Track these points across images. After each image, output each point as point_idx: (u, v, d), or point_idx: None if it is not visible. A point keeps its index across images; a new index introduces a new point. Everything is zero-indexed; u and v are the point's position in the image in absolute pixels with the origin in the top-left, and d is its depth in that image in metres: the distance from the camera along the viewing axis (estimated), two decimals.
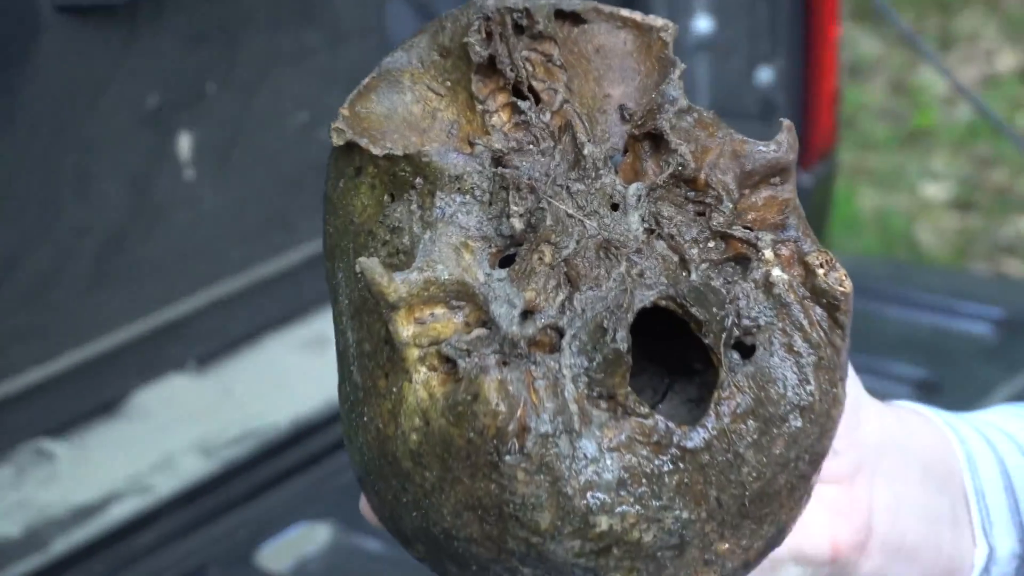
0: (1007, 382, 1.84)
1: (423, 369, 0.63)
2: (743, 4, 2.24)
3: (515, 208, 0.66)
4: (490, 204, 0.66)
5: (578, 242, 0.66)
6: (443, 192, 0.66)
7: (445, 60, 0.69)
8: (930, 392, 1.95)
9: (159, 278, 1.88)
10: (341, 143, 0.68)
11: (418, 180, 0.66)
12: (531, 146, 0.68)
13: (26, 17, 1.69)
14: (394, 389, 0.65)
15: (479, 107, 0.68)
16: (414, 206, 0.66)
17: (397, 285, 0.63)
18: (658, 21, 0.70)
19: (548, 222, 0.66)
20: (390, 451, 0.66)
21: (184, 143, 1.87)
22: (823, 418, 0.67)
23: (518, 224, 0.66)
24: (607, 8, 0.70)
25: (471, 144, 0.69)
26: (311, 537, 1.73)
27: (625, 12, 0.70)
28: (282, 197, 2.01)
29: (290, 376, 1.95)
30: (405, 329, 0.64)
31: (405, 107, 0.69)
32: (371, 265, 0.64)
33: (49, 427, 1.79)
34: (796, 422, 0.68)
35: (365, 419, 0.67)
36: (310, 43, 2.01)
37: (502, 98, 0.68)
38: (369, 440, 0.66)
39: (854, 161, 3.79)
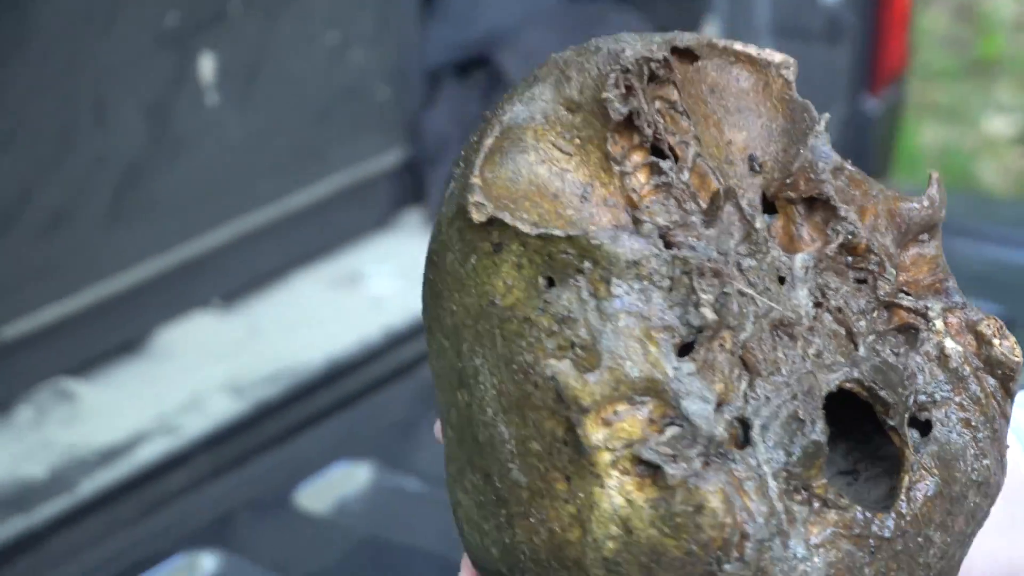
0: None
1: (615, 473, 0.63)
2: None
3: (705, 297, 0.64)
4: (670, 290, 0.64)
5: (754, 323, 0.65)
6: (620, 280, 0.63)
7: (573, 116, 0.66)
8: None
9: (181, 212, 1.91)
10: (483, 219, 0.64)
11: (586, 264, 0.63)
12: (693, 218, 0.66)
13: None
14: (580, 494, 0.64)
15: (615, 168, 0.65)
16: (585, 294, 0.64)
17: (592, 388, 0.63)
18: (775, 56, 0.67)
19: (734, 308, 0.65)
20: (571, 556, 0.65)
21: (206, 66, 1.89)
22: (995, 489, 0.68)
23: (710, 315, 0.64)
24: (721, 42, 0.68)
25: (636, 221, 0.65)
26: (351, 477, 1.73)
27: (738, 46, 0.68)
28: (311, 125, 2.04)
29: (320, 314, 1.98)
30: (596, 433, 0.63)
31: (530, 168, 0.66)
32: (564, 369, 0.63)
33: (70, 366, 1.82)
34: (975, 498, 0.69)
35: (531, 520, 0.65)
36: None
37: (638, 157, 0.66)
38: (535, 541, 0.65)
39: (914, 93, 3.69)
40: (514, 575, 0.69)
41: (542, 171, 0.65)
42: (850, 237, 0.65)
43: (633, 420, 0.62)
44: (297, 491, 1.69)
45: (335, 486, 1.72)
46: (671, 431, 0.62)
